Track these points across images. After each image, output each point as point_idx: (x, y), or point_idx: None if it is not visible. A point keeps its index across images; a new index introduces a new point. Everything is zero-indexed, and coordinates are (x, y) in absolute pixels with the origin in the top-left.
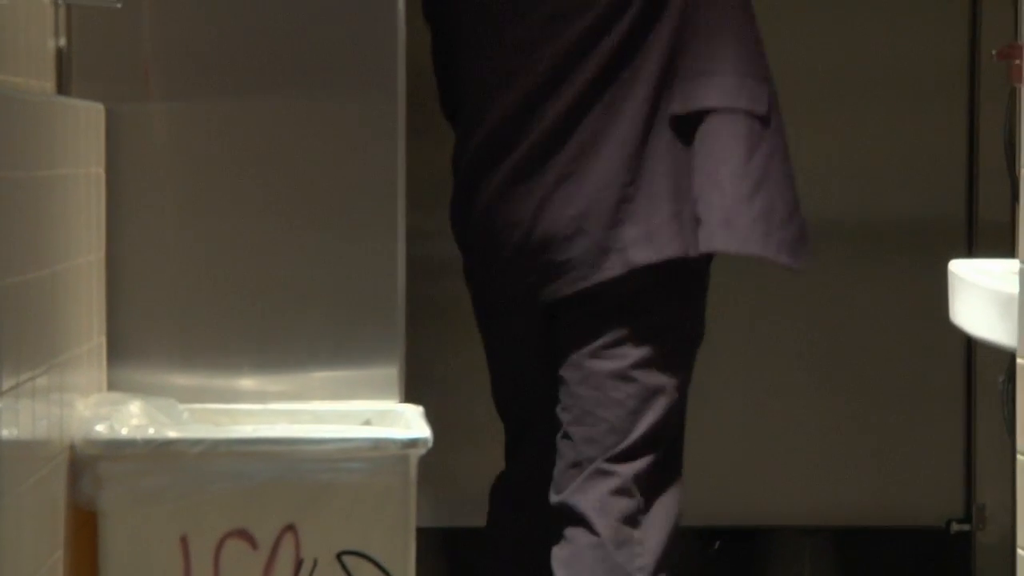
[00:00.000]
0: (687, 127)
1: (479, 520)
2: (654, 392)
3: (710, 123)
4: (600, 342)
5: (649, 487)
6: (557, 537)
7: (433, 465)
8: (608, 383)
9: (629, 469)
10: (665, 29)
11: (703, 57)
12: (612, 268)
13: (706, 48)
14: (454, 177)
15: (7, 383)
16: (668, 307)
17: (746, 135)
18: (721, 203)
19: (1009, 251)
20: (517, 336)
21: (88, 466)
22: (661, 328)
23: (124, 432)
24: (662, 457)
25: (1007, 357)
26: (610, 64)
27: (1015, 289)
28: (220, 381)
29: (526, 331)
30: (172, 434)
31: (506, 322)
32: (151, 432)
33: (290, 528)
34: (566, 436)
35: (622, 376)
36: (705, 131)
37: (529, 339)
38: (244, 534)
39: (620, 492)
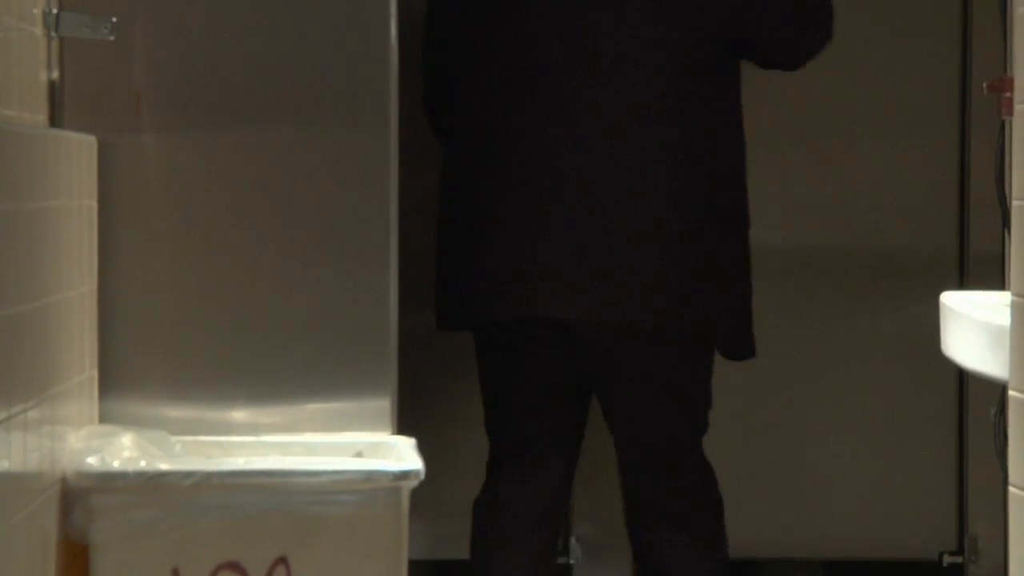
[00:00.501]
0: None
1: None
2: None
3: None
4: (656, 382)
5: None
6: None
7: (425, 497)
8: (676, 422)
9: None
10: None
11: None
12: (669, 328)
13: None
14: (454, 179)
15: None
16: (706, 357)
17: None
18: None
19: (1000, 283)
20: (543, 359)
21: (80, 499)
22: (698, 380)
23: (116, 465)
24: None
25: (999, 389)
26: (652, 112)
27: (1006, 321)
28: (212, 413)
29: (556, 355)
30: (164, 466)
31: (531, 344)
32: (143, 464)
33: (282, 560)
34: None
35: (688, 415)
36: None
37: (557, 364)
38: (236, 566)
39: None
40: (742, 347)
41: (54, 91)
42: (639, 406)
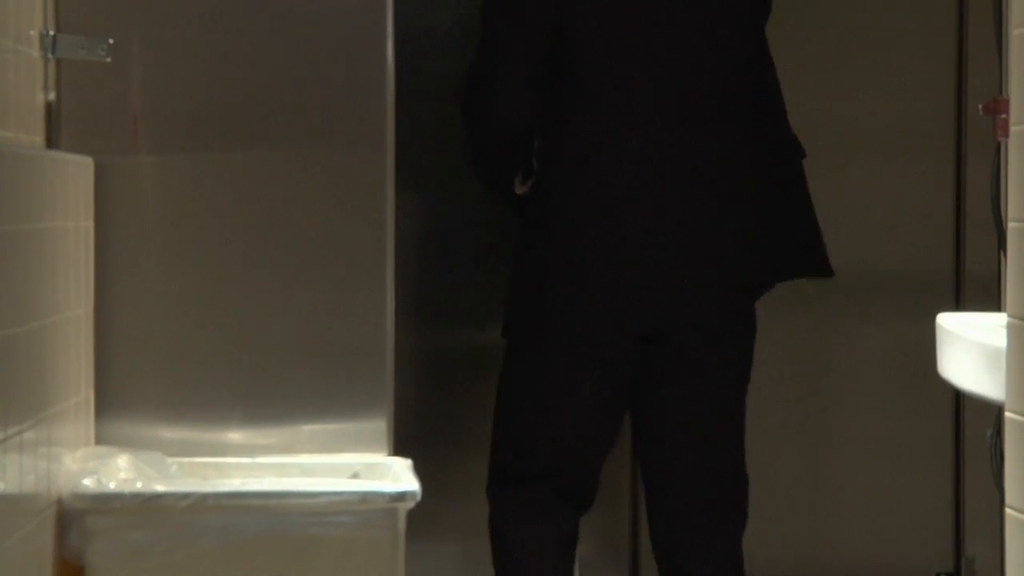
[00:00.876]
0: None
1: (468, 573)
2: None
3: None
4: (716, 376)
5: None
6: None
7: (421, 518)
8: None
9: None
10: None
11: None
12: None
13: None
14: (550, 199)
15: None
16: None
17: None
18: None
19: (996, 304)
20: (605, 373)
21: (75, 520)
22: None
23: (112, 486)
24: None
25: (995, 410)
26: (727, 100)
27: (1003, 342)
28: (208, 434)
29: (619, 368)
30: (160, 488)
31: (599, 353)
32: (139, 486)
33: None
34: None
35: (740, 412)
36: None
37: (619, 377)
38: None
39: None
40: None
41: (51, 112)
42: (712, 407)
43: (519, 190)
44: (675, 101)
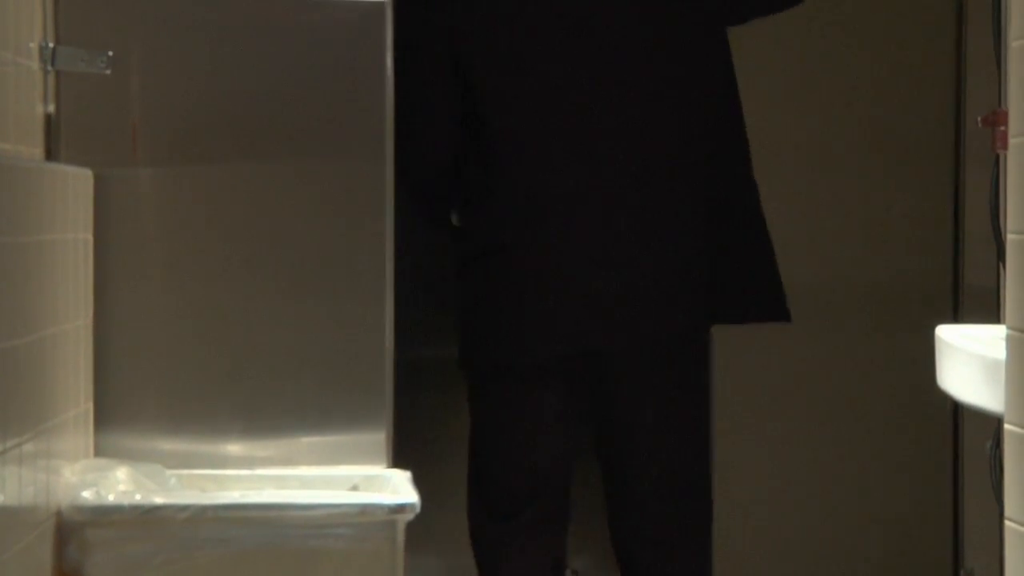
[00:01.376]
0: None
1: None
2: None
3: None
4: (670, 392)
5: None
6: None
7: (420, 530)
8: (689, 435)
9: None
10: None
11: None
12: (691, 322)
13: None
14: (486, 217)
15: None
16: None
17: None
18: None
19: (995, 317)
20: (563, 393)
21: (75, 532)
22: (704, 379)
23: (111, 498)
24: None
25: (994, 422)
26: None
27: (1002, 354)
28: (207, 447)
29: (575, 387)
30: (159, 500)
31: (552, 375)
32: (138, 498)
33: None
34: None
35: (697, 427)
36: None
37: (574, 395)
38: None
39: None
40: (781, 303)
41: (50, 125)
42: (662, 423)
43: (456, 221)
44: (614, 124)
